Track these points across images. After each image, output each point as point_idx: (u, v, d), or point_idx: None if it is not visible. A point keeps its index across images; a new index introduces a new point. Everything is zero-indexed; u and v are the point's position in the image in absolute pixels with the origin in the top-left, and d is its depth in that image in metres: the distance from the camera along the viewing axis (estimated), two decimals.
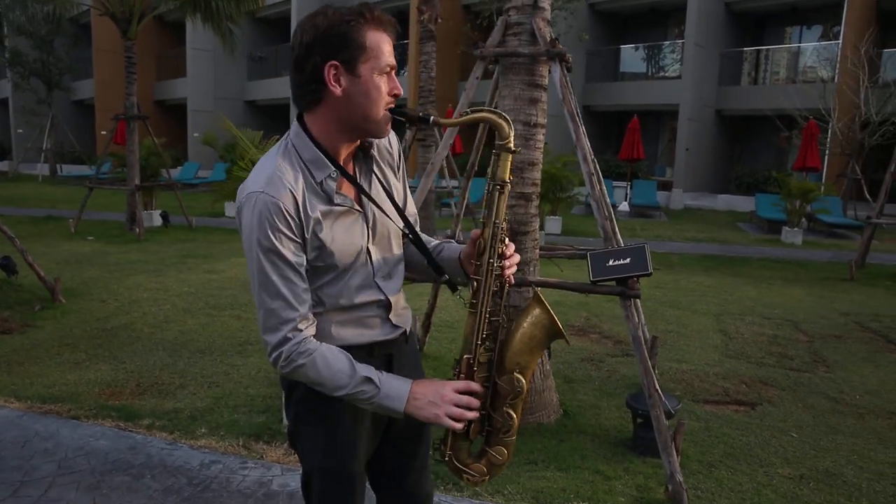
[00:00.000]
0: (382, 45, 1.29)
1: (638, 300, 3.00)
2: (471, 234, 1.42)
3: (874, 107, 16.09)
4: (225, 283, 7.27)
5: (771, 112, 17.79)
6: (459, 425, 1.34)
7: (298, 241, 1.31)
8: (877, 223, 9.32)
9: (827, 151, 17.23)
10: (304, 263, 1.33)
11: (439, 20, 9.22)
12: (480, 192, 7.63)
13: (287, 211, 1.28)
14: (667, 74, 22.78)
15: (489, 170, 1.37)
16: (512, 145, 1.33)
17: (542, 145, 3.44)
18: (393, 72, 1.33)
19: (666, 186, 19.44)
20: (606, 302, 6.58)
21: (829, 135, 17.01)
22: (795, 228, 12.64)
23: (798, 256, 10.81)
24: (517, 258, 1.40)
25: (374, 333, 1.45)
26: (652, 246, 3.01)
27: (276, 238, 1.28)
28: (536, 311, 1.39)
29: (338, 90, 1.28)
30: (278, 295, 1.30)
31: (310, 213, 1.31)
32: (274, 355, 1.33)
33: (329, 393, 1.34)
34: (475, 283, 1.36)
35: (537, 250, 3.50)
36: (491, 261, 1.35)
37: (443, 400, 1.32)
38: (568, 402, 4.01)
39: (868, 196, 16.64)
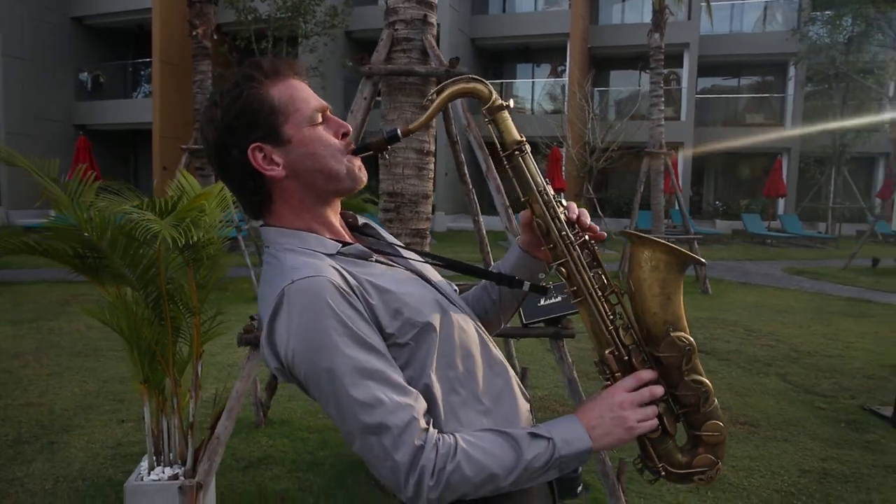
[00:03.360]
0: (296, 92, 1.07)
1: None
2: (520, 219, 1.19)
3: (599, 135, 18.82)
4: None
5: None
6: (655, 424, 1.05)
7: (369, 320, 0.98)
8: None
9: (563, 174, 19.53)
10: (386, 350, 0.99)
11: (215, 36, 8.31)
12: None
13: (340, 286, 0.96)
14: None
15: (496, 139, 1.12)
16: (501, 101, 1.09)
17: (432, 175, 3.10)
18: (327, 111, 1.10)
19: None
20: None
21: (563, 159, 19.29)
22: None
23: None
24: (586, 213, 1.15)
25: (515, 404, 1.13)
26: None
27: (348, 322, 0.94)
28: (646, 252, 1.10)
29: (279, 171, 1.05)
30: (380, 401, 0.94)
31: (359, 277, 1.01)
32: (413, 481, 0.93)
33: (504, 486, 0.99)
34: (563, 269, 1.10)
35: None
36: (563, 233, 1.09)
37: (622, 407, 1.03)
38: None
39: (600, 213, 19.47)
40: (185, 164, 7.97)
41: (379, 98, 3.02)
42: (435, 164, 3.12)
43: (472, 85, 1.10)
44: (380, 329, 0.98)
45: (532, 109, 22.75)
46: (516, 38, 21.29)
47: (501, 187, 2.86)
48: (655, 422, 1.05)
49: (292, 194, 1.08)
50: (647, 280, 1.09)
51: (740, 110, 23.61)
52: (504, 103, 1.10)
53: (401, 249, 1.19)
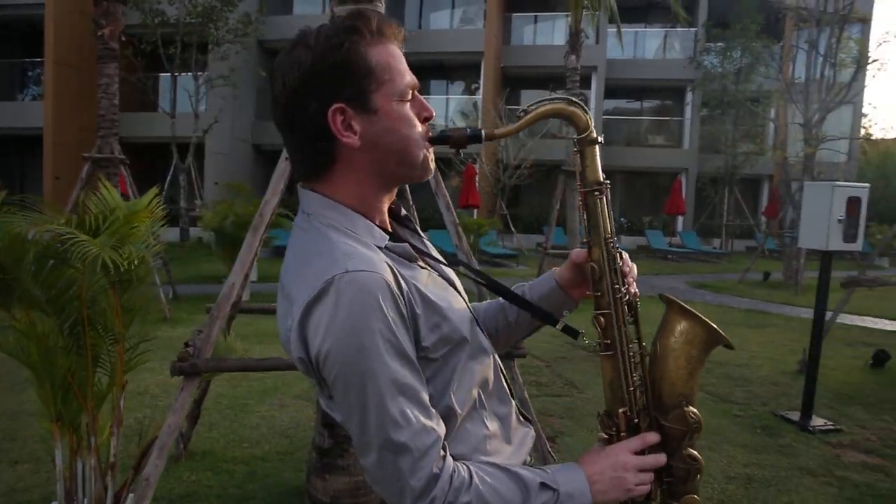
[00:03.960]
0: (394, 61, 0.97)
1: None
2: (572, 255, 1.15)
3: (512, 153, 19.27)
4: None
5: None
6: (648, 490, 1.05)
7: (410, 331, 0.93)
8: (548, 253, 10.87)
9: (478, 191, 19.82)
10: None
11: (122, 38, 7.81)
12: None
13: (394, 289, 0.90)
14: None
15: (577, 174, 1.08)
16: (595, 135, 1.06)
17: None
18: (416, 91, 1.01)
19: None
20: None
21: (477, 176, 19.59)
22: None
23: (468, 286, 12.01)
24: (635, 269, 1.14)
25: (517, 431, 1.12)
26: None
27: (395, 329, 0.89)
28: (683, 323, 1.10)
29: (354, 140, 0.95)
30: (408, 420, 0.89)
31: (409, 281, 0.95)
32: None
33: None
34: (601, 319, 1.07)
35: None
36: (616, 286, 1.07)
37: (625, 469, 1.03)
38: None
39: (512, 229, 19.93)
40: (87, 174, 7.39)
41: None
42: None
43: (571, 108, 1.04)
44: (416, 341, 0.93)
45: (446, 126, 22.98)
46: (431, 54, 21.47)
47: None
48: (649, 488, 1.05)
49: (359, 168, 0.99)
50: (677, 351, 1.09)
51: (643, 132, 24.89)
52: (598, 138, 1.06)
53: (434, 252, 1.12)
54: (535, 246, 19.88)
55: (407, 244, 1.01)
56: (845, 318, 8.72)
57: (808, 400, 4.71)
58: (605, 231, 1.06)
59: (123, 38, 7.96)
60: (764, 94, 18.68)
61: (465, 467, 0.95)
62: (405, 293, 0.92)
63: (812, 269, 14.01)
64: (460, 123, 23.29)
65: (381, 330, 0.87)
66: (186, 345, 2.38)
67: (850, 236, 4.52)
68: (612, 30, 18.50)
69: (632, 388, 1.07)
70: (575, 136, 1.06)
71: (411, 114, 0.99)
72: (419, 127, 1.00)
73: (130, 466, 2.59)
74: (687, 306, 1.10)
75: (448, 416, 0.97)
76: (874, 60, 13.80)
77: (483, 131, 1.01)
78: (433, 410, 0.93)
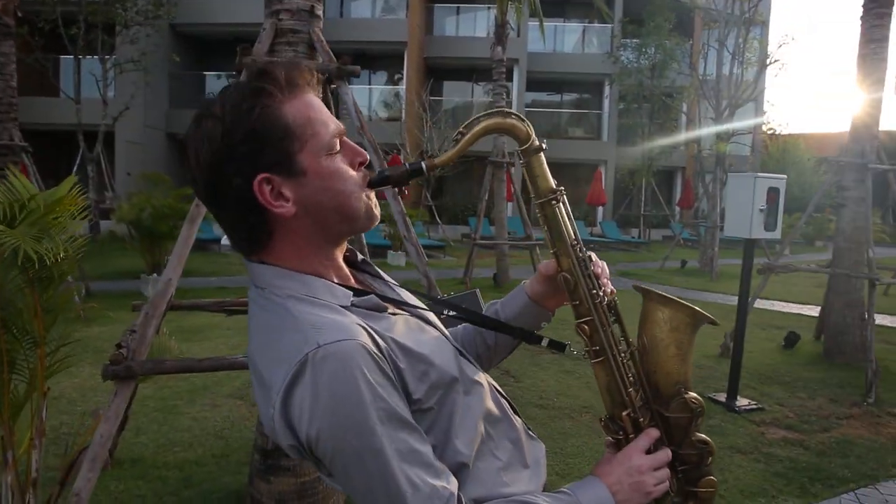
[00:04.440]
0: (313, 112, 0.89)
1: None
2: (540, 269, 1.11)
3: (436, 143, 19.26)
4: None
5: None
6: (667, 486, 1.03)
7: (399, 389, 0.86)
8: (477, 244, 10.91)
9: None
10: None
11: (18, 14, 7.21)
12: None
13: (373, 351, 0.83)
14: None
15: (529, 185, 1.03)
16: (538, 143, 1.01)
17: None
18: (343, 136, 0.93)
19: None
20: None
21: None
22: (399, 252, 13.96)
23: (409, 277, 11.94)
24: (606, 267, 1.12)
25: (530, 449, 1.06)
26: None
27: (384, 396, 0.81)
28: (666, 311, 1.08)
29: (288, 208, 0.88)
30: (415, 486, 0.82)
31: (384, 336, 0.88)
32: None
33: None
34: (585, 327, 1.03)
35: None
36: (594, 291, 1.03)
37: (641, 472, 1.00)
38: None
39: (438, 219, 19.95)
40: None
41: None
42: None
43: (509, 121, 0.98)
44: (407, 396, 0.87)
45: (369, 116, 22.71)
46: (353, 43, 21.09)
47: (397, 194, 2.71)
48: (667, 485, 1.03)
49: (299, 233, 0.91)
50: (665, 340, 1.07)
51: (563, 124, 25.49)
52: (542, 145, 1.00)
53: (399, 291, 1.06)
54: (461, 237, 20.02)
55: (373, 295, 0.94)
56: (757, 303, 9.26)
57: (734, 381, 4.94)
58: (569, 238, 1.02)
59: (20, 15, 7.33)
60: (677, 89, 19.51)
61: None
62: (384, 351, 0.86)
63: (724, 256, 14.85)
64: (382, 114, 23.05)
65: (369, 400, 0.80)
66: (119, 346, 2.18)
67: (770, 225, 4.76)
68: (533, 23, 18.84)
69: (629, 389, 1.04)
70: (517, 148, 1.01)
71: (343, 166, 0.91)
72: (354, 177, 0.92)
73: (56, 481, 2.36)
74: (665, 295, 1.08)
75: (457, 466, 0.91)
76: (775, 60, 14.67)
77: (423, 164, 0.94)
78: (440, 466, 0.87)
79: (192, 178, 0.90)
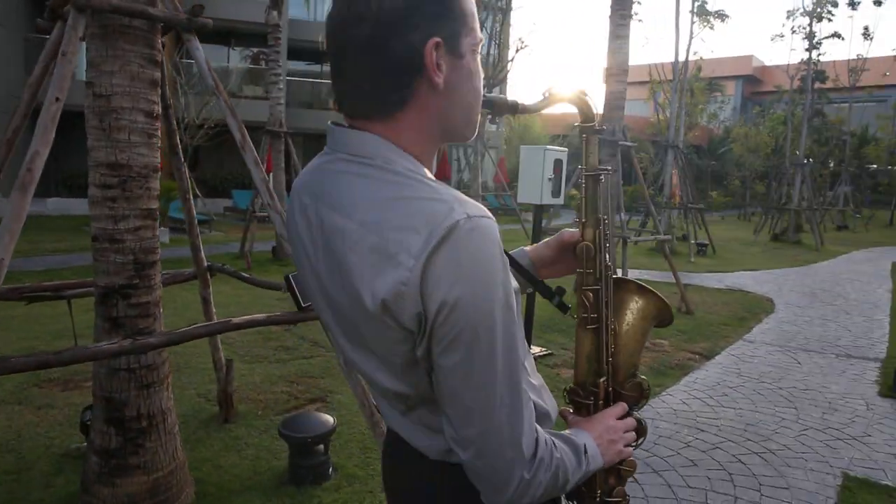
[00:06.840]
0: (475, 10, 0.94)
1: None
2: (563, 236, 1.19)
3: (193, 109, 17.67)
4: None
5: None
6: (631, 451, 1.10)
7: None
8: (258, 216, 10.43)
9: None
10: None
11: None
12: None
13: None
14: None
15: (583, 157, 1.15)
16: (598, 126, 1.14)
17: (160, 144, 2.57)
18: None
19: None
20: None
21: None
22: (161, 228, 12.75)
23: (179, 255, 10.98)
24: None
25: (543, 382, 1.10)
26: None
27: (508, 281, 0.84)
28: (641, 301, 1.21)
29: (440, 80, 0.87)
30: (519, 383, 0.87)
31: None
32: (528, 476, 0.87)
33: (562, 493, 0.99)
34: (590, 294, 1.11)
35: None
36: (608, 263, 1.13)
37: (615, 432, 1.07)
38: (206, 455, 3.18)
39: (198, 192, 18.39)
40: None
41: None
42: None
43: (586, 100, 1.09)
44: None
45: None
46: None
47: (259, 160, 2.55)
48: (633, 450, 1.10)
49: (430, 113, 0.90)
50: (635, 326, 1.17)
51: (324, 95, 25.21)
52: (603, 127, 1.11)
53: None
54: (223, 211, 18.87)
55: None
56: None
57: (528, 333, 5.55)
58: (601, 212, 1.12)
59: None
60: None
61: (543, 431, 0.93)
62: None
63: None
64: None
65: (503, 281, 0.81)
66: None
67: (556, 192, 5.40)
68: None
69: (610, 359, 1.12)
70: (578, 124, 1.11)
71: (481, 71, 0.96)
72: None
73: None
74: (647, 287, 1.19)
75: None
76: (525, 46, 16.29)
77: (518, 103, 1.03)
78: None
79: (357, 17, 0.84)
